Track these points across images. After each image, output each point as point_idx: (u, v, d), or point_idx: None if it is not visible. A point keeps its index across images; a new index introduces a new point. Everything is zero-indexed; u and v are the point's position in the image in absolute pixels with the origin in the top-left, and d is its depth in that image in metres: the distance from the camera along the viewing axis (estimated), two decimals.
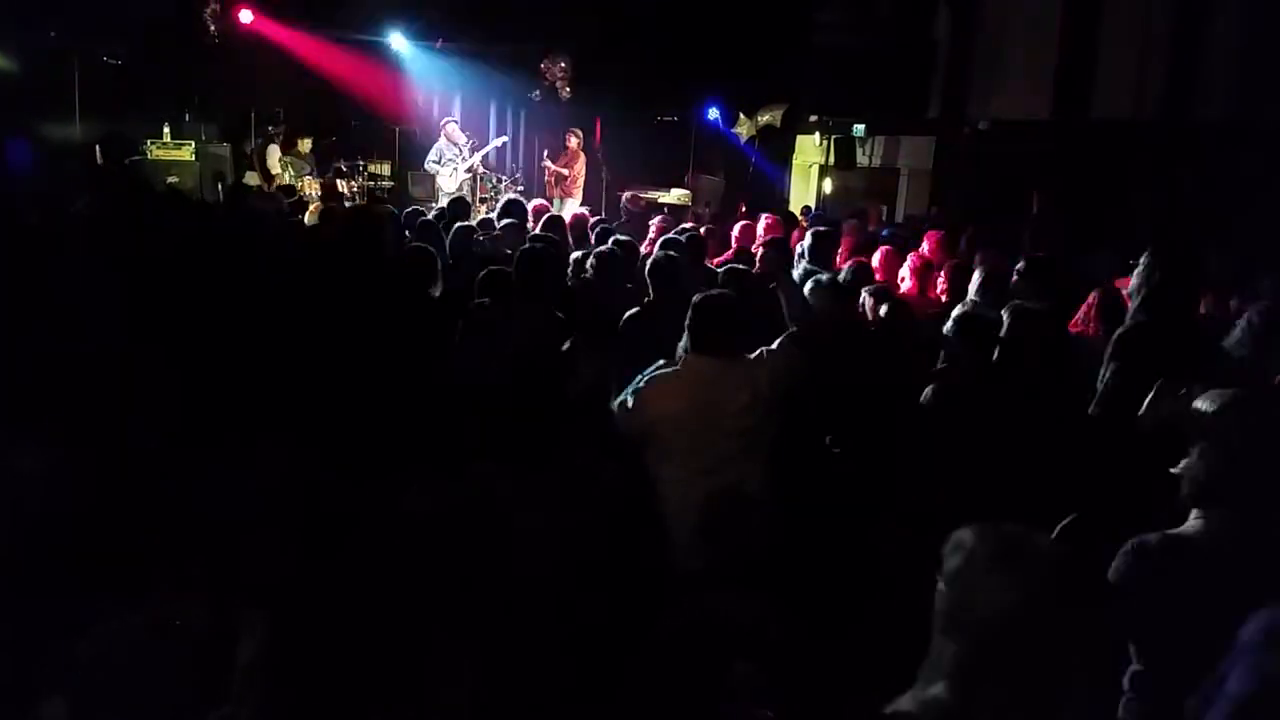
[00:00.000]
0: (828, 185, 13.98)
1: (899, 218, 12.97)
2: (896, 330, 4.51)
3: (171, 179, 10.60)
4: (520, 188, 12.26)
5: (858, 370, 4.02)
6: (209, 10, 11.16)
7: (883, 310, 4.67)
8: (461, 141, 11.54)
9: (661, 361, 3.51)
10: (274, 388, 3.64)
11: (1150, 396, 2.97)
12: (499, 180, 12.21)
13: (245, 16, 11.70)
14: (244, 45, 11.69)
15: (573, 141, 11.75)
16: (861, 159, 13.71)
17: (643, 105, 13.54)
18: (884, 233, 8.46)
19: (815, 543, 3.35)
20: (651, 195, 12.49)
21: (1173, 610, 2.14)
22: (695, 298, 3.54)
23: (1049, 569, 1.61)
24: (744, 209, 11.10)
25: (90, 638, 2.33)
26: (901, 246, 6.80)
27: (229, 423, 3.24)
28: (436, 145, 11.59)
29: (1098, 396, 3.50)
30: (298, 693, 1.91)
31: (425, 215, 7.42)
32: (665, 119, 14.25)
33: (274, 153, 11.52)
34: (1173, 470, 2.28)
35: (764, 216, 7.75)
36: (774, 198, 13.46)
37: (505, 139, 11.93)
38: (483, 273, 4.57)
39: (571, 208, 10.79)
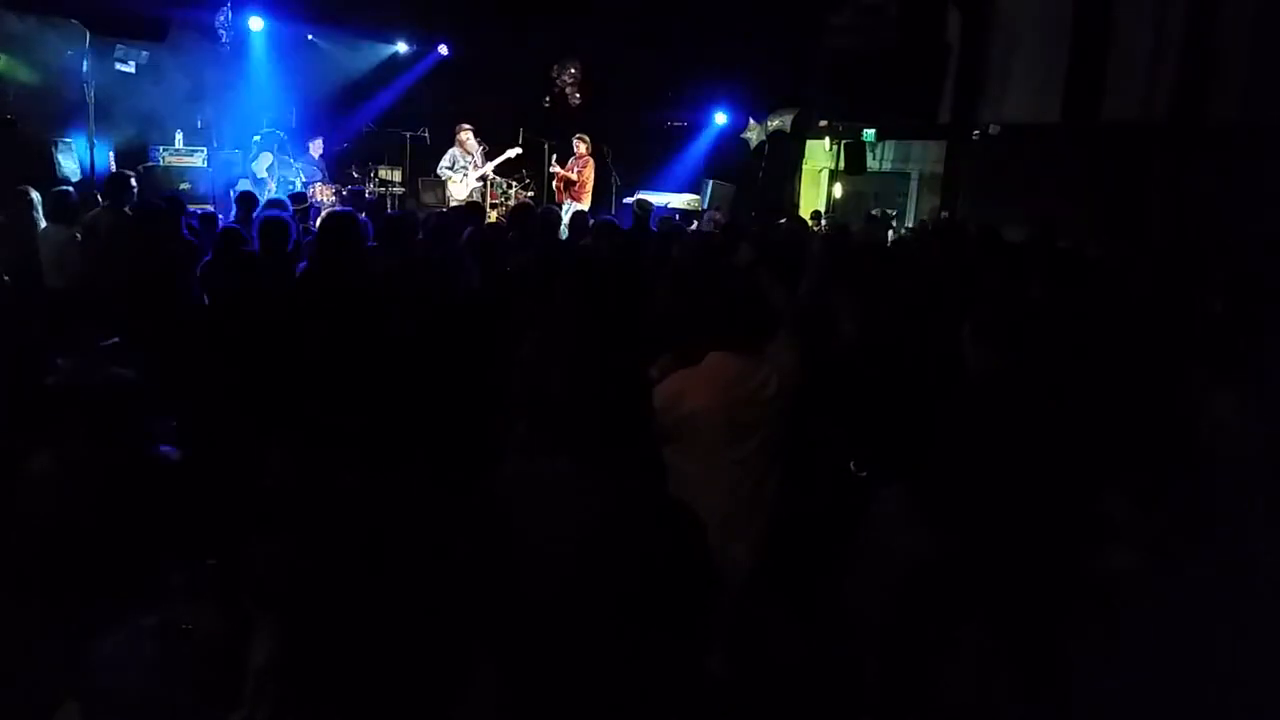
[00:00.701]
0: (838, 190, 13.97)
1: (910, 222, 12.95)
2: None
3: (184, 186, 10.65)
4: (530, 193, 12.27)
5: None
6: (220, 17, 11.21)
7: None
8: (475, 149, 11.55)
9: (667, 358, 3.51)
10: (289, 389, 3.64)
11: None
12: (509, 186, 12.23)
13: (256, 23, 11.76)
14: (255, 51, 11.74)
15: (581, 146, 11.71)
16: (872, 163, 13.69)
17: (653, 110, 13.56)
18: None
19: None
20: (662, 200, 12.49)
21: None
22: (719, 292, 3.55)
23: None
24: (754, 214, 11.10)
25: (104, 643, 2.33)
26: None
27: (243, 425, 3.24)
28: (450, 151, 11.59)
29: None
30: (310, 696, 1.90)
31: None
32: (676, 124, 14.26)
33: (265, 159, 11.48)
34: None
35: None
36: (784, 203, 13.46)
37: (519, 150, 11.88)
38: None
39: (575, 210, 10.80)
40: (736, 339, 3.39)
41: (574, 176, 11.64)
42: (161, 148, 11.22)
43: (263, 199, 10.12)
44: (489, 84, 12.85)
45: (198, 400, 3.61)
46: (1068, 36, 11.22)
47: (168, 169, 11.06)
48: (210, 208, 10.36)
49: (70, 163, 10.71)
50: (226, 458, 3.01)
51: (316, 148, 11.86)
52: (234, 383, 3.69)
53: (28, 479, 2.64)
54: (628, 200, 12.47)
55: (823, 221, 12.06)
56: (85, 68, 9.75)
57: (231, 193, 11.13)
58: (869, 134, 13.35)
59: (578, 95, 13.38)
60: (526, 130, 12.41)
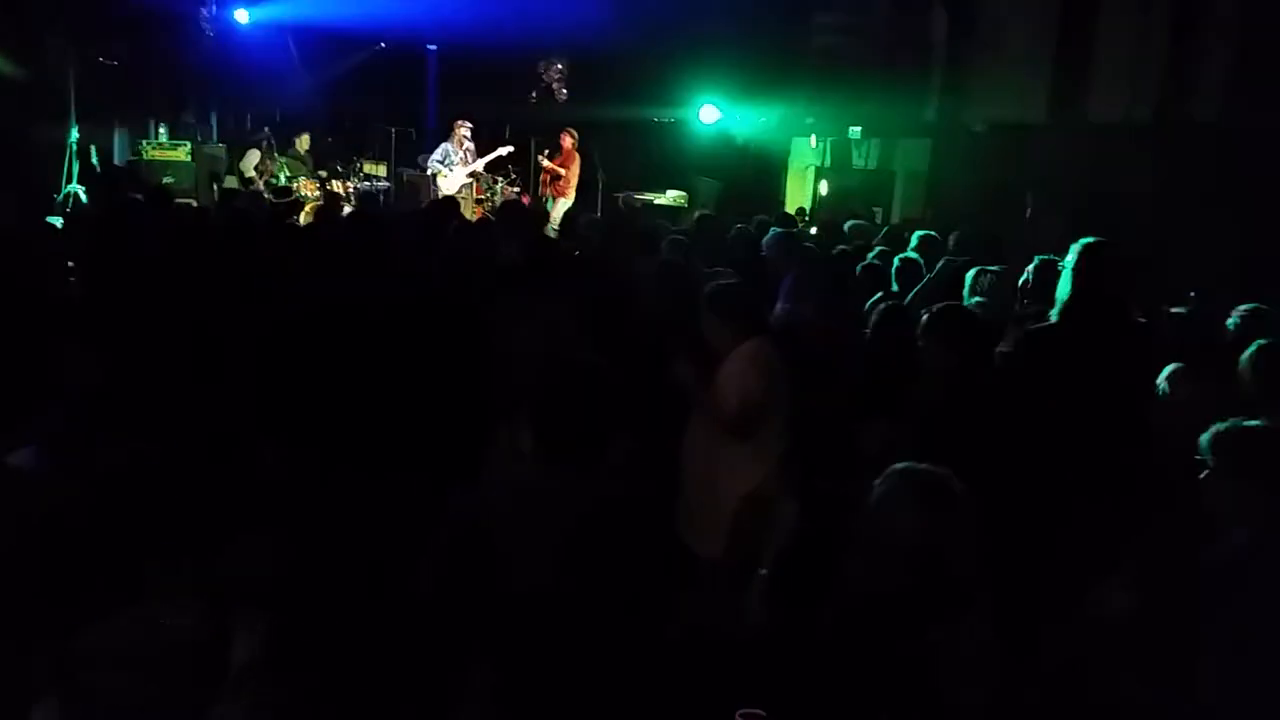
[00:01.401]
0: (823, 187, 13.99)
1: (894, 219, 12.98)
2: None
3: (167, 180, 10.60)
4: (517, 189, 12.25)
5: None
6: (205, 11, 11.16)
7: None
8: (470, 146, 11.52)
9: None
10: (271, 389, 3.64)
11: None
12: (495, 182, 12.21)
13: (242, 17, 11.70)
14: (240, 46, 11.68)
15: (567, 141, 11.68)
16: (857, 161, 13.71)
17: (639, 107, 13.55)
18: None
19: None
20: (647, 197, 12.50)
21: None
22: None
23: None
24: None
25: (83, 638, 2.32)
26: None
27: (226, 423, 3.24)
28: (443, 145, 11.55)
29: None
30: (292, 693, 1.91)
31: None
32: (662, 121, 14.26)
33: (252, 157, 11.43)
34: None
35: None
36: (770, 200, 13.47)
37: (510, 149, 11.85)
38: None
39: (563, 208, 10.79)
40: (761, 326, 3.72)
41: (561, 171, 11.61)
42: (145, 142, 11.16)
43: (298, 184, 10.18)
44: (475, 79, 12.83)
45: (183, 398, 3.60)
46: (1053, 36, 11.27)
47: (151, 163, 11.00)
48: (193, 203, 10.31)
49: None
50: (213, 455, 3.01)
51: (303, 143, 11.83)
52: (221, 382, 3.68)
53: (7, 476, 2.63)
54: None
55: (807, 218, 12.08)
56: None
57: (215, 187, 11.10)
58: (854, 132, 13.37)
59: (564, 91, 13.36)
60: (513, 126, 12.40)
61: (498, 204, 11.80)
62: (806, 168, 14.46)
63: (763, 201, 12.72)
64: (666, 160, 13.75)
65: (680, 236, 6.19)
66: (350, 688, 1.91)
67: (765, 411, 3.55)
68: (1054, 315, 3.69)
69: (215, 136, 12.12)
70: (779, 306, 5.19)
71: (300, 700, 1.83)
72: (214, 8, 11.30)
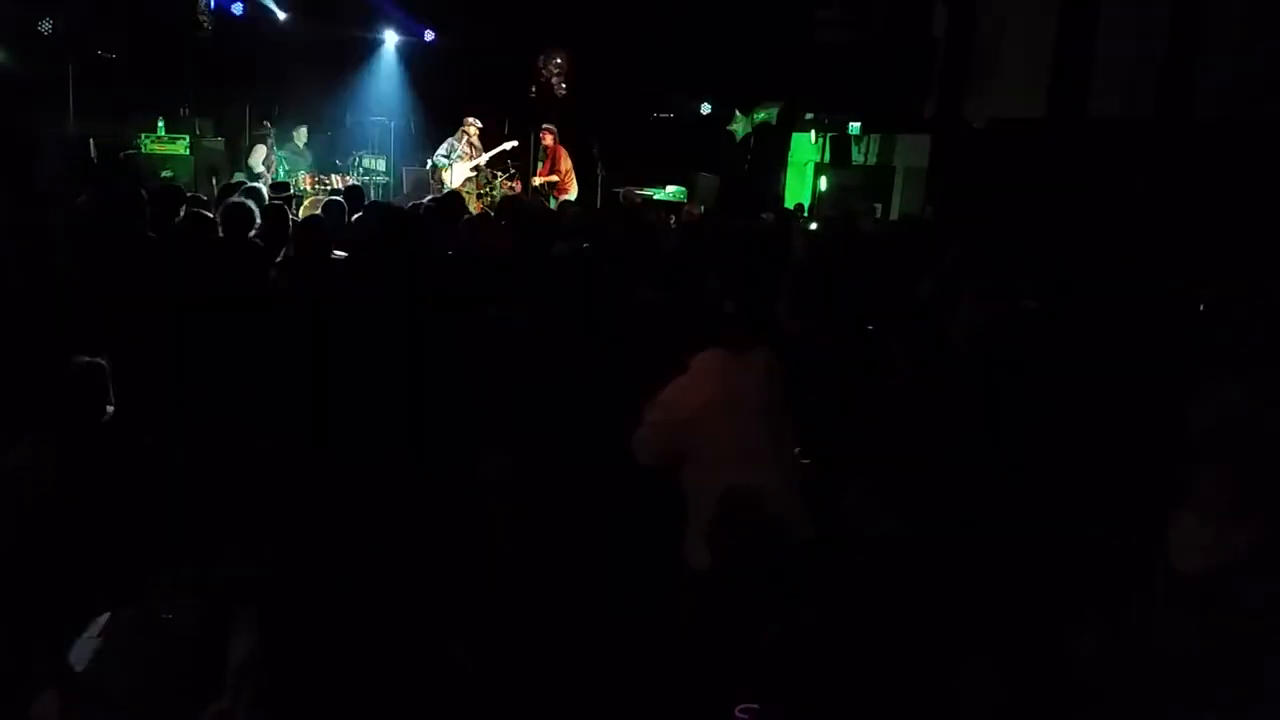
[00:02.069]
0: (823, 183, 13.99)
1: (894, 215, 12.98)
2: None
3: (166, 173, 10.57)
4: (515, 184, 12.23)
5: None
6: (202, 2, 11.13)
7: None
8: (475, 144, 11.50)
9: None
10: (268, 382, 3.63)
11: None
12: (494, 176, 12.18)
13: (238, 9, 11.68)
14: (239, 38, 11.66)
15: (548, 138, 11.56)
16: (857, 157, 13.70)
17: (639, 102, 13.53)
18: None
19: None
20: (647, 192, 12.47)
21: None
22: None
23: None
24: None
25: (83, 633, 2.32)
26: None
27: (222, 418, 3.23)
28: (450, 140, 11.53)
29: None
30: (292, 688, 1.90)
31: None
32: (661, 116, 14.23)
33: (260, 151, 11.45)
34: None
35: None
36: (769, 195, 13.46)
37: (515, 144, 11.81)
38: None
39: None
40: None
41: (554, 178, 11.53)
42: (144, 135, 11.13)
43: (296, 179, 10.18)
44: (474, 73, 12.81)
45: (179, 393, 3.59)
46: (1053, 32, 11.26)
47: (149, 156, 10.97)
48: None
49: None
50: (208, 451, 3.00)
51: (300, 136, 11.80)
52: (217, 377, 3.67)
53: (6, 471, 2.63)
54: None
55: (805, 214, 12.07)
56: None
57: (214, 181, 11.04)
58: (855, 127, 13.37)
59: (563, 86, 13.33)
60: (512, 120, 12.37)
61: (497, 199, 11.79)
62: (806, 163, 14.45)
63: (762, 197, 12.71)
64: (666, 155, 13.73)
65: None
66: (349, 683, 1.91)
67: (698, 424, 3.30)
68: None
69: (213, 130, 12.09)
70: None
71: (299, 696, 1.83)
72: (211, 1, 11.28)
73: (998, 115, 12.00)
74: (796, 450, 3.57)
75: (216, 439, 2.90)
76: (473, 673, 1.96)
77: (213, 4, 11.20)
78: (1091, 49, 10.89)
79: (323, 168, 11.87)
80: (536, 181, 11.75)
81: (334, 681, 1.82)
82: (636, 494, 3.23)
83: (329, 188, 11.29)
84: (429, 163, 11.78)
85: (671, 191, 12.75)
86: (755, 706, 2.07)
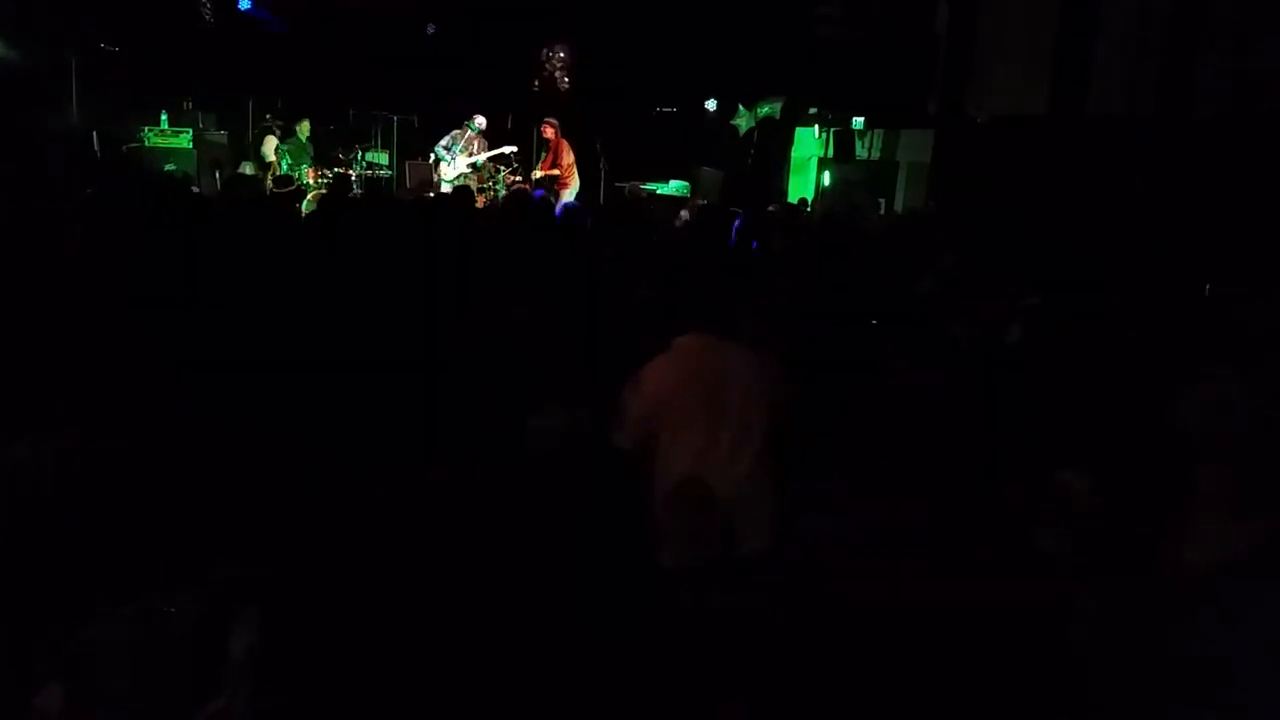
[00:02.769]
0: (826, 178, 13.98)
1: (898, 210, 12.98)
2: None
3: (169, 166, 10.59)
4: (518, 178, 12.24)
5: None
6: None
7: None
8: (478, 140, 11.52)
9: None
10: (270, 378, 3.65)
11: None
12: (496, 170, 12.19)
13: (243, 2, 11.69)
14: (241, 32, 11.66)
15: (549, 131, 11.56)
16: (860, 152, 13.70)
17: (642, 97, 13.52)
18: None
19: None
20: (650, 187, 12.48)
21: None
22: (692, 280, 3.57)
23: None
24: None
25: (86, 627, 2.34)
26: None
27: (223, 414, 3.25)
28: (453, 133, 11.54)
29: None
30: (291, 685, 1.92)
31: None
32: (664, 111, 14.23)
33: (270, 142, 11.50)
34: None
35: None
36: (773, 190, 13.46)
37: (515, 149, 11.81)
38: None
39: (570, 197, 10.77)
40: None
41: (555, 172, 11.53)
42: (146, 128, 11.15)
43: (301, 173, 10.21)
44: (477, 67, 12.80)
45: (181, 388, 3.61)
46: (1054, 28, 11.24)
47: (153, 150, 11.00)
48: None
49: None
50: (210, 446, 3.02)
51: (303, 129, 11.82)
52: (218, 371, 3.69)
53: (6, 467, 2.64)
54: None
55: (809, 208, 12.07)
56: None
57: (216, 174, 11.06)
58: (858, 122, 13.36)
59: (566, 80, 13.33)
60: (515, 115, 12.37)
61: (500, 194, 11.80)
62: (809, 158, 14.44)
63: (765, 192, 12.71)
64: (669, 150, 13.73)
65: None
66: (349, 682, 1.93)
67: (666, 413, 3.20)
68: None
69: (216, 124, 12.10)
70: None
71: (298, 695, 1.84)
72: None
73: (1000, 111, 12.00)
74: (775, 451, 3.38)
75: (219, 436, 2.91)
76: (457, 674, 1.98)
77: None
78: (1092, 46, 10.88)
79: (325, 161, 11.88)
80: (536, 175, 11.76)
81: (333, 681, 1.84)
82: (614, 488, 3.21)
83: (329, 180, 11.32)
84: (432, 156, 11.80)
85: (674, 186, 12.76)
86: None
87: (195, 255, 4.73)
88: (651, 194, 12.25)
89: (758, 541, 3.14)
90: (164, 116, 11.33)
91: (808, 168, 14.55)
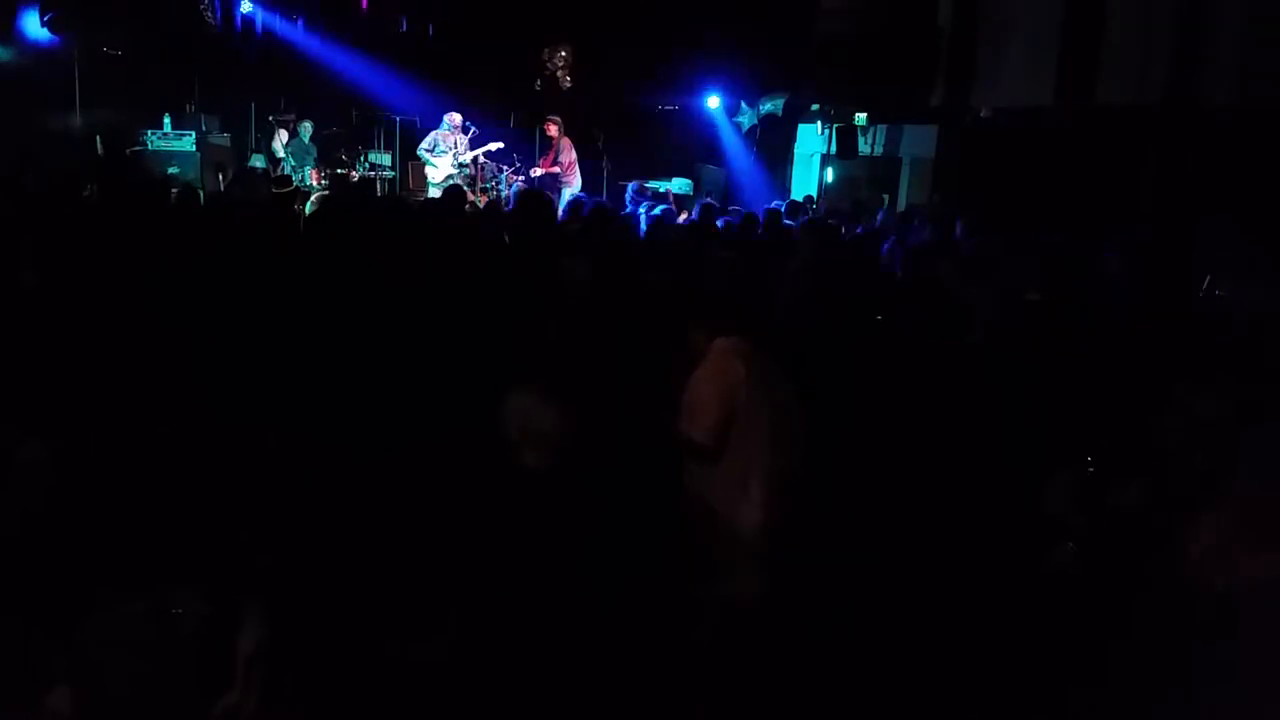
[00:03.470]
0: (829, 174, 13.94)
1: (901, 206, 12.95)
2: None
3: (172, 169, 10.59)
4: (521, 178, 12.21)
5: None
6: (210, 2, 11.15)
7: None
8: (459, 137, 11.48)
9: None
10: (276, 375, 3.63)
11: None
12: (500, 169, 12.16)
13: (245, 6, 11.68)
14: (244, 35, 11.66)
15: (552, 129, 11.51)
16: (863, 148, 13.66)
17: (644, 94, 13.49)
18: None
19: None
20: (653, 185, 12.44)
21: None
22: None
23: None
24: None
25: (93, 627, 2.33)
26: None
27: (230, 411, 3.23)
28: (432, 134, 11.52)
29: None
30: (300, 680, 1.91)
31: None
32: (667, 108, 14.19)
33: (281, 137, 11.53)
34: None
35: None
36: (776, 187, 13.44)
37: (500, 145, 11.75)
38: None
39: (569, 196, 10.72)
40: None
41: (556, 169, 11.49)
42: (150, 131, 11.14)
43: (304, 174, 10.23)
44: (479, 67, 12.78)
45: (191, 385, 3.60)
46: (1059, 19, 11.20)
47: (156, 153, 10.99)
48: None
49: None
50: (219, 444, 3.00)
51: (305, 131, 11.81)
52: (227, 367, 3.68)
53: (17, 467, 2.63)
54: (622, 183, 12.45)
55: (815, 205, 12.04)
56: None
57: (219, 177, 11.06)
58: (861, 118, 13.32)
59: (568, 79, 13.31)
60: (517, 114, 12.35)
61: (503, 193, 11.77)
62: (812, 155, 14.41)
63: (768, 189, 12.69)
64: (672, 148, 13.70)
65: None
66: (355, 674, 1.91)
67: (729, 425, 3.19)
68: None
69: (219, 126, 12.10)
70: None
71: (308, 688, 1.83)
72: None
73: (1004, 104, 11.96)
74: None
75: (228, 432, 2.90)
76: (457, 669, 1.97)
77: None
78: (1098, 35, 10.83)
79: (328, 162, 11.88)
80: (536, 172, 11.73)
81: (341, 673, 1.83)
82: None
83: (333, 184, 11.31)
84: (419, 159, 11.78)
85: (677, 184, 12.73)
86: None
87: (198, 253, 4.72)
88: (655, 192, 12.23)
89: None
90: (167, 119, 11.32)
91: (811, 164, 14.53)
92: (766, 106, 13.49)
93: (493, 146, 11.67)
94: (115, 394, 3.06)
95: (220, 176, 11.12)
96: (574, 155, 11.52)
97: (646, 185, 12.30)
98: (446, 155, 11.46)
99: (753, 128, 13.70)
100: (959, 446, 3.36)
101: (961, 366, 3.67)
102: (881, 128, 13.70)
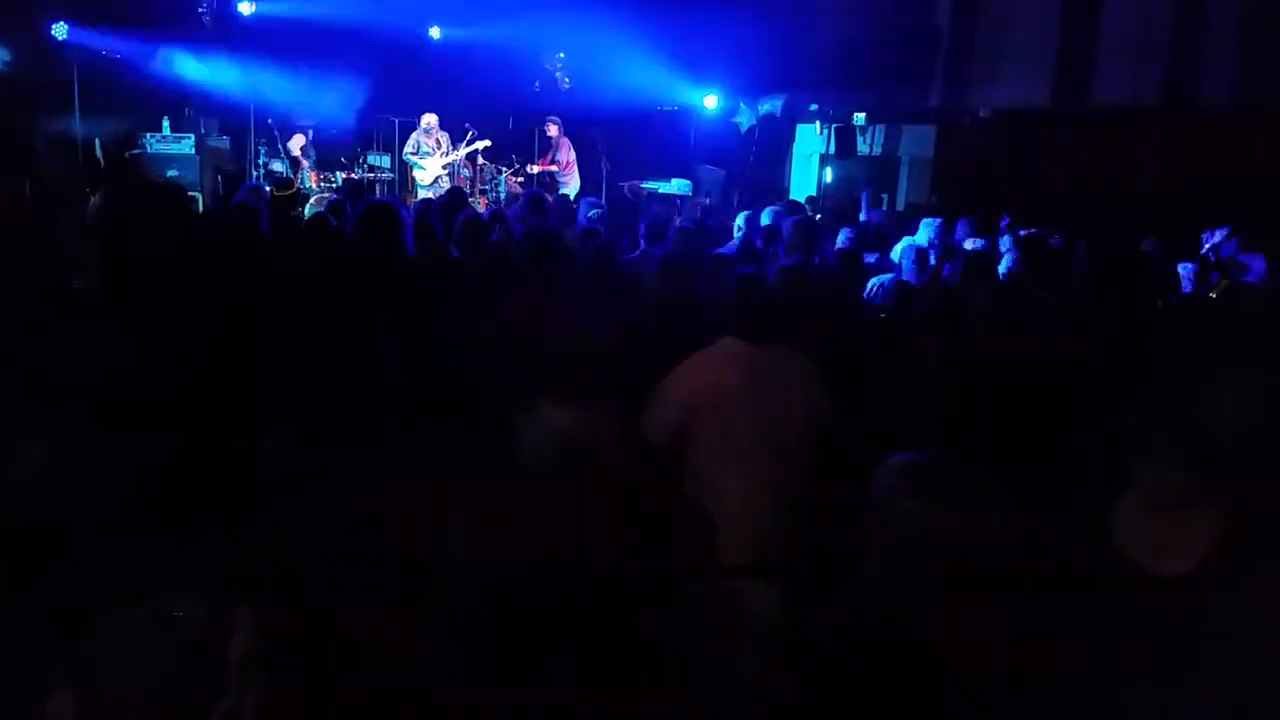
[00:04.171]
0: (828, 174, 13.95)
1: (900, 206, 12.95)
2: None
3: (172, 173, 10.58)
4: (521, 179, 12.21)
5: None
6: (207, 2, 11.14)
7: None
8: (439, 136, 11.46)
9: None
10: (274, 381, 3.63)
11: None
12: (499, 172, 12.16)
13: (245, 8, 11.68)
14: (242, 35, 11.66)
15: (552, 129, 11.51)
16: (862, 148, 13.68)
17: (643, 95, 13.49)
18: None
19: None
20: (652, 185, 12.46)
21: None
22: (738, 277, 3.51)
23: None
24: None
25: (96, 631, 2.33)
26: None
27: (227, 416, 3.24)
28: (413, 137, 11.51)
29: None
30: (296, 685, 1.91)
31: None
32: (665, 109, 14.20)
33: (298, 140, 11.55)
34: None
35: None
36: (774, 187, 13.44)
37: (488, 143, 11.74)
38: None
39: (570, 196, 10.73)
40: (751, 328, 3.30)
41: (554, 168, 11.50)
42: (149, 135, 11.14)
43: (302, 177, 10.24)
44: (478, 69, 12.79)
45: (192, 390, 3.60)
46: (1056, 18, 11.21)
47: (155, 156, 10.99)
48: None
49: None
50: (220, 448, 3.01)
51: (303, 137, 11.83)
52: (229, 373, 3.67)
53: (18, 471, 2.64)
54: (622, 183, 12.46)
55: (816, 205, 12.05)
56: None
57: (219, 180, 11.06)
58: (859, 118, 13.33)
59: (567, 80, 13.32)
60: (515, 116, 12.35)
61: (502, 195, 11.78)
62: (811, 155, 14.42)
63: (767, 189, 12.69)
64: (670, 148, 13.70)
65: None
66: (354, 680, 1.92)
67: (683, 425, 3.13)
68: None
69: (219, 129, 12.09)
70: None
71: (304, 693, 1.83)
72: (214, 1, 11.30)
73: (1002, 104, 11.96)
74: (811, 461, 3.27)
75: (228, 436, 2.90)
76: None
77: (215, 4, 11.21)
78: (1096, 34, 10.84)
79: (327, 165, 11.89)
80: (534, 170, 11.74)
81: (339, 679, 1.83)
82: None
83: (334, 185, 11.31)
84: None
85: (676, 185, 12.74)
86: None
87: (197, 258, 4.72)
88: (653, 192, 12.24)
89: (779, 549, 3.09)
90: (165, 122, 11.31)
91: (810, 164, 14.53)
92: (765, 107, 13.50)
93: (481, 145, 11.66)
94: (115, 395, 3.06)
95: (220, 180, 11.12)
96: (573, 155, 11.53)
97: (644, 185, 12.33)
98: (433, 156, 11.45)
99: (751, 128, 13.71)
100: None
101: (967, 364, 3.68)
102: (880, 127, 13.71)
